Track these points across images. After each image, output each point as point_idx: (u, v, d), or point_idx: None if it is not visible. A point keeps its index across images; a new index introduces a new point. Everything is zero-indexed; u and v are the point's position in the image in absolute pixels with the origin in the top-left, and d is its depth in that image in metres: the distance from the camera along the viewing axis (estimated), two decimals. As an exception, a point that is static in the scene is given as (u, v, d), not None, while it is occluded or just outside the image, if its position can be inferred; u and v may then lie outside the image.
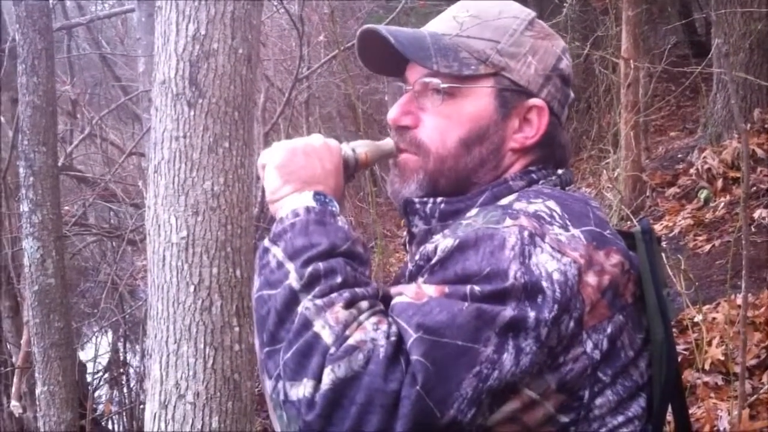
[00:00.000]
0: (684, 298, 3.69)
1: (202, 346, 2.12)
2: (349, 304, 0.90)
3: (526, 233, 0.91)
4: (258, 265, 0.98)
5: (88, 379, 6.36)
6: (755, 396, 3.35)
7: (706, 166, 6.09)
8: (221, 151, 2.14)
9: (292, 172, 1.04)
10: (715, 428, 3.29)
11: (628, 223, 5.11)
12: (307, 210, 0.99)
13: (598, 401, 0.94)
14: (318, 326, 0.88)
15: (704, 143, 6.67)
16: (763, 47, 6.28)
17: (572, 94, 1.16)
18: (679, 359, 3.14)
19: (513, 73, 1.08)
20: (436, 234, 1.03)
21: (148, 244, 2.20)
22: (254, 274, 0.98)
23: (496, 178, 1.09)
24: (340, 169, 1.09)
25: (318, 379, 0.85)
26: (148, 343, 2.21)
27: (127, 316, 6.84)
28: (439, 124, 1.09)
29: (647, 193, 6.57)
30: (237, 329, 2.18)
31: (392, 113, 1.12)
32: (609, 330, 0.94)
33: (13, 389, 4.69)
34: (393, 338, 0.87)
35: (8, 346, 5.17)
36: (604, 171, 6.76)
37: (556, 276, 0.89)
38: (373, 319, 0.89)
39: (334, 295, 0.90)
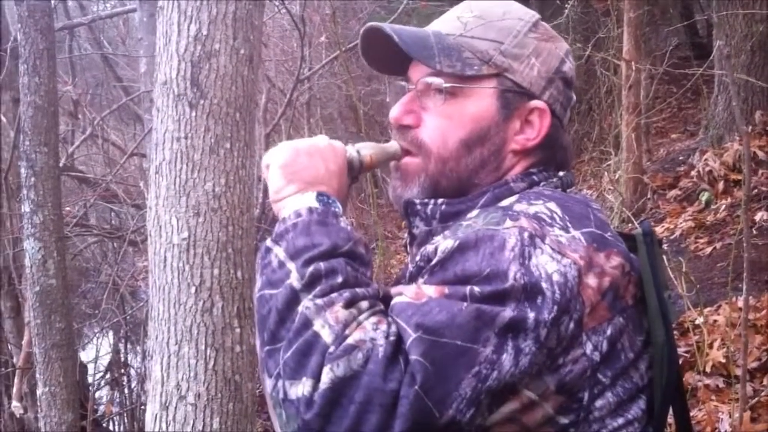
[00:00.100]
0: (685, 300, 3.69)
1: (203, 347, 2.12)
2: (349, 304, 0.90)
3: (526, 234, 0.91)
4: (260, 265, 0.98)
5: (89, 380, 6.36)
6: (756, 399, 3.35)
7: (707, 169, 6.09)
8: (222, 152, 2.14)
9: (295, 173, 1.04)
10: (716, 431, 3.29)
11: (629, 225, 5.11)
12: (310, 210, 0.99)
13: (598, 403, 0.94)
14: (318, 325, 0.88)
15: (705, 145, 6.66)
16: (764, 49, 6.28)
17: (574, 97, 1.16)
18: (680, 361, 3.13)
19: (516, 75, 1.08)
20: (436, 235, 1.04)
21: (149, 245, 2.20)
22: (256, 274, 0.98)
23: (497, 180, 1.09)
24: (344, 170, 1.09)
25: (317, 378, 0.85)
26: (149, 344, 2.22)
27: (128, 317, 6.84)
28: (441, 125, 1.09)
29: (648, 196, 6.57)
30: (238, 330, 2.18)
31: (394, 112, 1.12)
32: (609, 332, 0.94)
33: (15, 390, 4.69)
34: (392, 338, 0.87)
35: (9, 347, 5.18)
36: (605, 173, 6.76)
37: (555, 277, 0.89)
38: (373, 319, 0.90)
39: (334, 294, 0.91)
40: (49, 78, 3.81)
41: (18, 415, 4.72)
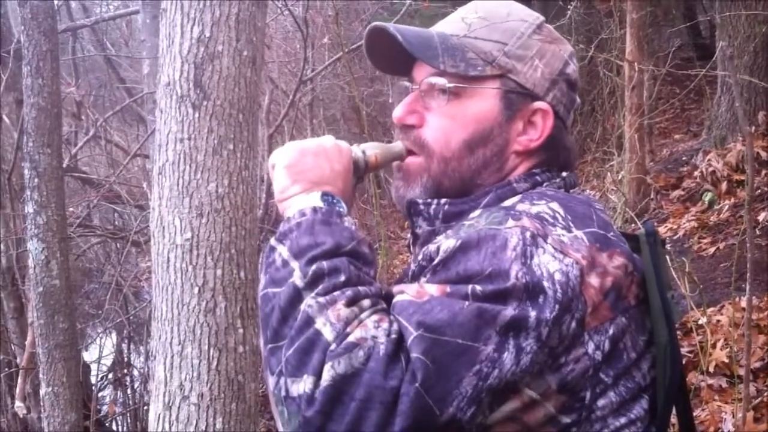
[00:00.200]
0: (688, 300, 3.69)
1: (206, 347, 2.12)
2: (351, 302, 0.91)
3: (528, 234, 0.91)
4: (264, 264, 0.98)
5: (92, 380, 6.38)
6: (760, 398, 3.34)
7: (710, 169, 6.08)
8: (225, 153, 2.14)
9: (301, 172, 1.04)
10: (720, 431, 3.28)
11: (633, 225, 5.10)
12: (314, 210, 0.99)
13: (600, 402, 0.94)
14: (319, 323, 0.89)
15: (708, 146, 6.66)
16: (767, 50, 6.27)
17: (578, 99, 1.16)
18: (684, 361, 3.13)
19: (519, 76, 1.08)
20: (439, 235, 1.04)
21: (152, 246, 2.21)
22: (260, 272, 0.99)
23: (500, 180, 1.09)
24: (349, 170, 1.09)
25: (318, 376, 0.85)
26: (152, 344, 2.22)
27: (131, 318, 6.85)
28: (444, 125, 1.09)
29: (651, 196, 6.57)
30: (241, 331, 2.18)
31: (397, 112, 1.12)
32: (611, 331, 0.94)
33: (18, 390, 4.70)
34: (393, 336, 0.87)
35: (13, 347, 5.19)
36: (609, 173, 6.76)
37: (557, 276, 0.89)
38: (375, 317, 0.90)
39: (336, 293, 0.91)
40: (53, 79, 3.82)
41: (21, 415, 4.73)
